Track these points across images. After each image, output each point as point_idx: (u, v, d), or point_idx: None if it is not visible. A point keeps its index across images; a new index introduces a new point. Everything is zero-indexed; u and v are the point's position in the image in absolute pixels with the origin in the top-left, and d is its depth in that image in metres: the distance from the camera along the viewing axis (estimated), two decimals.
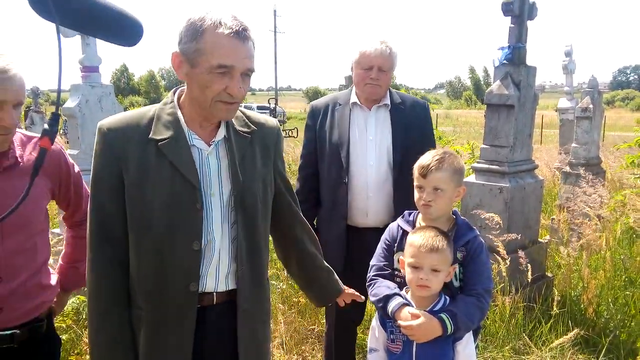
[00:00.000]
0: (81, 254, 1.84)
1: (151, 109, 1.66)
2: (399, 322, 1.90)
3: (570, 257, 4.47)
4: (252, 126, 1.75)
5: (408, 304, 1.93)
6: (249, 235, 1.69)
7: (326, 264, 2.07)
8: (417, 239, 1.91)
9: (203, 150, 1.64)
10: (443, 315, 1.85)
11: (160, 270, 1.60)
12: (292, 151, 10.98)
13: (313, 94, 67.07)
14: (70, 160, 1.95)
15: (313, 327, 3.91)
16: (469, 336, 1.95)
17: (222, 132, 1.67)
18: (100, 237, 1.62)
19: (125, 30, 1.11)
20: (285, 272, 4.54)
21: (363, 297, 2.13)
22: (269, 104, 7.40)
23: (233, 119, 1.70)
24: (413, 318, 1.86)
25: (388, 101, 2.79)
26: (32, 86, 15.02)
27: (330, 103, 2.88)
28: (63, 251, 2.07)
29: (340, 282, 2.10)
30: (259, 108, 33.82)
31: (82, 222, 1.94)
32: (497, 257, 3.70)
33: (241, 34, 1.51)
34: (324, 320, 3.25)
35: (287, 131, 8.71)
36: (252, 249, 1.71)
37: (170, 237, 1.58)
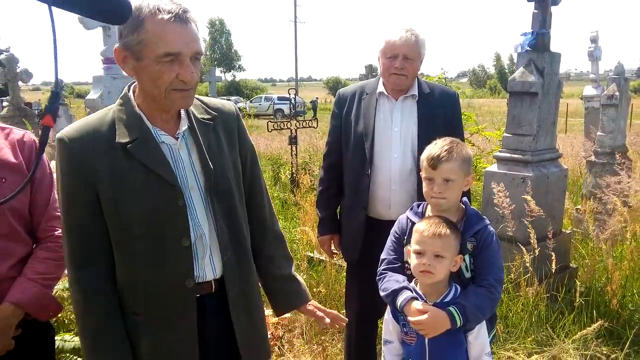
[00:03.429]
0: (55, 270, 1.81)
1: (109, 112, 1.59)
2: (408, 317, 1.90)
3: (592, 246, 4.40)
4: (213, 112, 1.71)
5: (416, 298, 1.91)
6: (228, 221, 1.68)
7: (284, 271, 1.90)
8: (422, 225, 1.91)
9: (172, 145, 1.59)
10: (451, 309, 1.84)
11: (155, 274, 1.57)
12: (312, 141, 10.98)
13: (334, 84, 66.80)
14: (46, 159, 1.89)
15: None
16: (480, 326, 1.93)
17: (185, 123, 1.62)
18: (82, 255, 1.56)
19: (113, 7, 1.14)
20: (306, 262, 4.58)
21: (344, 321, 1.91)
22: (289, 94, 7.36)
23: (192, 108, 1.66)
24: (420, 313, 1.85)
25: (415, 91, 2.73)
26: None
27: (357, 91, 2.84)
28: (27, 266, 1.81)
29: (300, 294, 1.89)
30: (280, 99, 33.89)
31: (49, 237, 1.86)
32: (523, 248, 3.65)
33: (182, 17, 1.45)
34: (344, 310, 3.25)
35: (307, 121, 8.69)
36: (233, 234, 1.70)
37: (158, 239, 1.55)
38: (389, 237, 2.14)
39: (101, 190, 1.51)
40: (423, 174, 2.02)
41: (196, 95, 1.69)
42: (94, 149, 1.51)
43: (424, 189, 2.01)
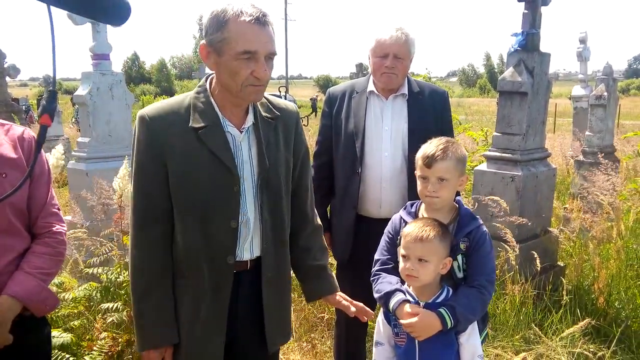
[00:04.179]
0: (52, 266, 1.83)
1: (186, 98, 1.78)
2: (400, 320, 1.90)
3: (579, 245, 4.43)
4: (276, 112, 1.87)
5: (408, 301, 1.91)
6: (273, 213, 1.85)
7: (320, 261, 2.05)
8: (407, 229, 1.90)
9: (236, 136, 1.77)
10: (442, 310, 1.83)
11: (203, 246, 1.75)
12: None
13: (324, 82, 66.76)
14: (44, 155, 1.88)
15: (323, 315, 3.92)
16: (472, 328, 1.93)
17: (250, 119, 1.80)
18: (144, 219, 1.75)
19: (115, 9, 1.16)
20: None
21: (370, 314, 1.99)
22: (280, 92, 7.33)
23: (259, 105, 1.83)
24: (412, 316, 1.85)
25: (405, 90, 2.72)
26: (44, 75, 15.12)
27: (347, 90, 2.83)
28: (24, 260, 1.79)
29: (331, 284, 2.05)
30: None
31: (47, 232, 1.86)
32: (506, 246, 3.68)
33: (261, 20, 1.62)
34: (334, 309, 3.25)
35: None
36: (275, 226, 1.86)
37: (211, 216, 1.74)
38: (382, 237, 2.13)
39: (170, 165, 1.71)
40: (418, 173, 2.01)
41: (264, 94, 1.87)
42: (170, 128, 1.71)
43: (418, 188, 2.01)
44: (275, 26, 1.72)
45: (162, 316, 1.77)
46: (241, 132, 1.78)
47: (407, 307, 1.88)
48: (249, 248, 1.82)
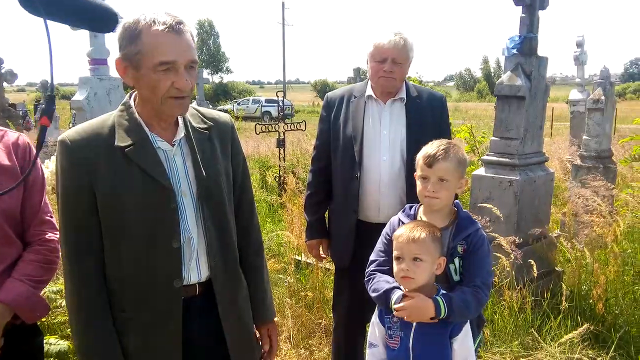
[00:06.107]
0: (43, 273, 1.81)
1: (110, 117, 1.67)
2: (394, 306, 1.88)
3: (577, 251, 4.42)
4: (209, 122, 1.78)
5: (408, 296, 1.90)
6: (218, 227, 1.74)
7: (267, 284, 1.98)
8: (398, 231, 1.92)
9: (168, 151, 1.67)
10: (438, 298, 1.84)
11: (144, 273, 1.64)
12: (301, 144, 10.97)
13: (322, 86, 66.77)
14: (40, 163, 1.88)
15: (320, 321, 3.90)
16: (465, 332, 1.92)
17: (182, 131, 1.70)
18: (77, 251, 1.63)
19: (106, 18, 1.26)
20: (293, 266, 4.56)
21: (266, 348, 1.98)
22: (277, 96, 7.36)
23: (189, 117, 1.74)
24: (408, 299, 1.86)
25: (404, 95, 2.73)
26: (42, 80, 15.12)
27: (345, 95, 2.83)
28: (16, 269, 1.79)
29: (273, 311, 2.00)
30: (267, 101, 33.77)
31: (39, 240, 1.85)
32: (502, 252, 3.67)
33: (176, 28, 1.53)
34: (332, 315, 3.24)
35: (295, 124, 8.68)
36: (222, 241, 1.76)
37: (149, 239, 1.62)
38: (379, 239, 2.13)
39: (98, 190, 1.58)
40: (418, 173, 2.02)
41: (193, 106, 1.79)
42: (94, 151, 1.59)
43: (418, 189, 2.01)
44: (194, 32, 1.66)
45: (107, 351, 1.64)
46: (173, 145, 1.67)
47: (405, 292, 1.89)
48: (195, 267, 1.70)
